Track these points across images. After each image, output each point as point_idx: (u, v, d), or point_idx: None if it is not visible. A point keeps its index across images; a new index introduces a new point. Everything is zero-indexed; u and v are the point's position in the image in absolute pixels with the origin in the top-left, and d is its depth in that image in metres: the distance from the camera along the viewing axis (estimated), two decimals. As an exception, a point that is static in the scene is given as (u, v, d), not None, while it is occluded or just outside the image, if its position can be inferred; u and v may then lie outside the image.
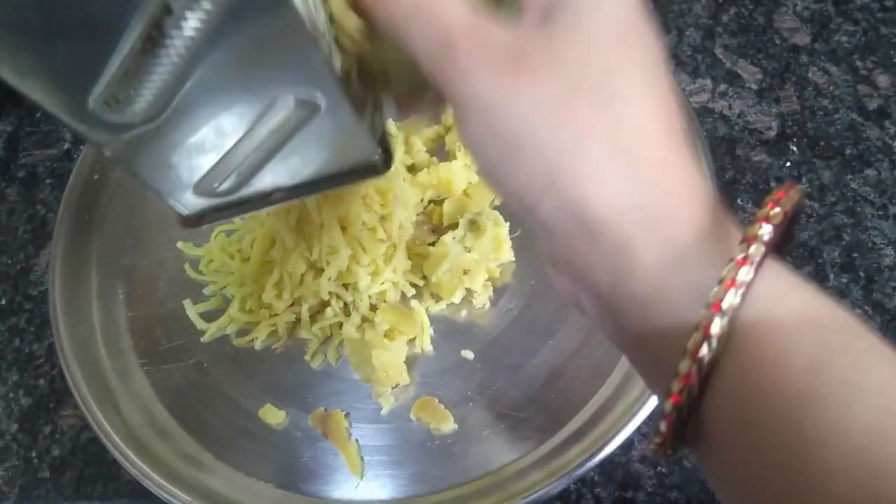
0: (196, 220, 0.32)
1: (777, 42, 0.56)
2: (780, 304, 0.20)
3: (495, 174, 0.23)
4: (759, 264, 0.20)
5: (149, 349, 0.46)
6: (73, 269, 0.47)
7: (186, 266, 0.48)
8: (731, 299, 0.19)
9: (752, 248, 0.20)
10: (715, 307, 0.19)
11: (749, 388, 0.19)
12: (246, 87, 0.25)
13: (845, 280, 0.47)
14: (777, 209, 0.21)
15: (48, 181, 0.55)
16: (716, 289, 0.20)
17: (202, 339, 0.46)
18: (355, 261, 0.44)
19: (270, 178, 0.30)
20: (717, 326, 0.19)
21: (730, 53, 0.56)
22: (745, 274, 0.19)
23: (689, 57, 0.56)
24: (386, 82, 0.27)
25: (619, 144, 0.21)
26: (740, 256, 0.20)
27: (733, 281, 0.19)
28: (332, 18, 0.25)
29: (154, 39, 0.22)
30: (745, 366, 0.19)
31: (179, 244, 0.49)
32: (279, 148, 0.28)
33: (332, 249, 0.43)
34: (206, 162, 0.28)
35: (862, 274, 0.47)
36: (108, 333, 0.46)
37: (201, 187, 0.30)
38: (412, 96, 0.28)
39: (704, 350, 0.19)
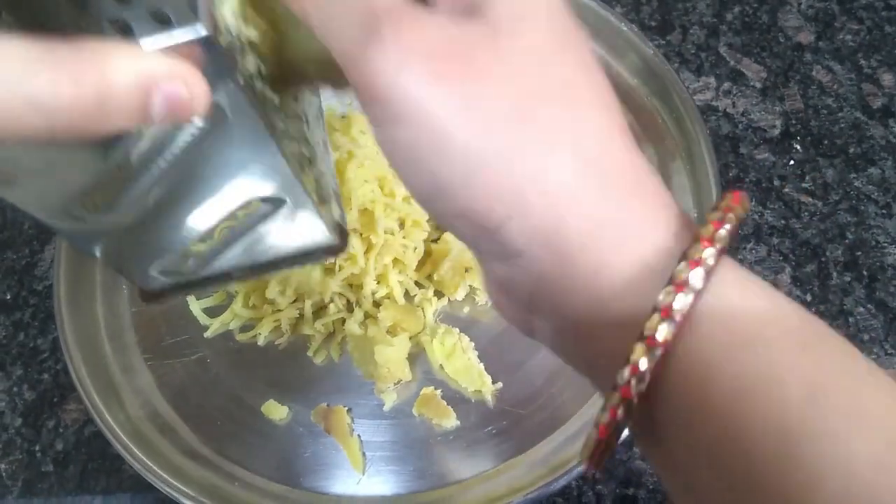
0: (156, 297, 0.33)
1: (781, 40, 0.56)
2: (772, 324, 0.18)
3: (442, 195, 0.20)
4: (714, 265, 0.18)
5: (152, 344, 0.46)
6: (77, 264, 0.47)
7: (190, 262, 0.48)
8: (693, 280, 0.18)
9: (705, 252, 0.18)
10: (678, 287, 0.18)
11: (737, 413, 0.17)
12: (216, 191, 0.26)
13: (848, 278, 0.47)
14: (726, 225, 0.19)
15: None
16: (675, 270, 0.18)
17: (206, 335, 0.46)
18: (366, 271, 0.44)
19: (232, 259, 0.31)
20: (662, 332, 0.18)
21: (734, 52, 0.55)
22: (708, 255, 0.18)
23: (693, 55, 0.55)
24: (300, 78, 0.27)
25: (584, 155, 0.19)
26: (693, 257, 0.18)
27: (697, 261, 0.18)
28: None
29: (132, 163, 0.24)
30: (734, 389, 0.18)
31: (183, 240, 0.49)
32: (245, 236, 0.30)
33: (348, 255, 0.43)
34: (170, 250, 0.30)
35: (865, 272, 0.47)
36: (112, 328, 0.46)
37: (163, 269, 0.31)
38: (335, 85, 0.26)
39: (661, 331, 0.18)
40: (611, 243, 0.19)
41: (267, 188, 0.27)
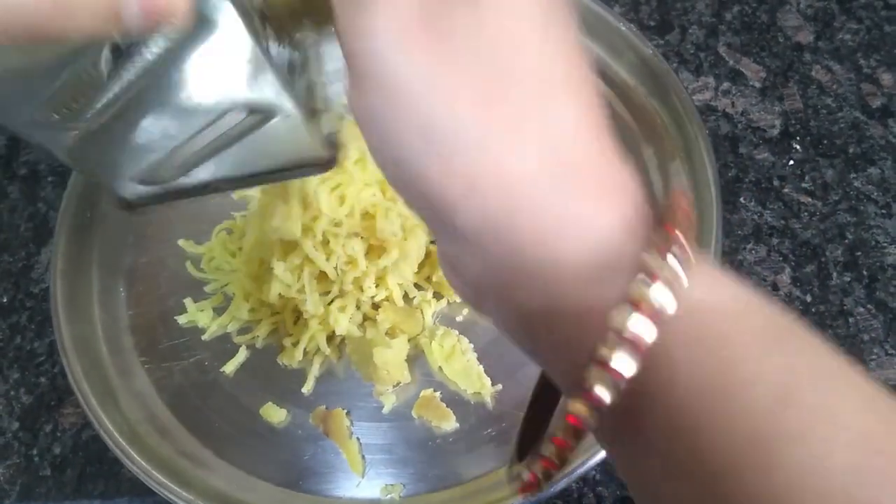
0: (134, 206, 0.32)
1: (780, 40, 0.56)
2: (741, 322, 0.17)
3: (401, 168, 0.20)
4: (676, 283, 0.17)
5: (150, 347, 0.46)
6: (74, 266, 0.47)
7: (188, 264, 0.48)
8: (655, 294, 0.16)
9: (674, 248, 0.17)
10: (637, 306, 0.16)
11: (707, 416, 0.16)
12: (199, 98, 0.25)
13: (848, 279, 0.47)
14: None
15: (49, 179, 0.55)
16: (636, 286, 0.17)
17: (203, 337, 0.46)
18: (367, 274, 0.44)
19: (214, 169, 0.30)
20: (624, 365, 0.16)
21: (733, 51, 0.55)
22: (669, 271, 0.17)
23: (692, 55, 0.55)
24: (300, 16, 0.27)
25: (550, 144, 0.18)
26: (653, 269, 0.17)
27: (655, 276, 0.17)
28: None
29: (102, 67, 0.22)
30: (694, 391, 0.17)
31: (180, 242, 0.49)
32: (228, 147, 0.28)
33: (350, 258, 0.43)
34: (150, 158, 0.28)
35: (865, 273, 0.47)
36: (109, 331, 0.46)
37: (141, 177, 0.30)
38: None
39: (623, 364, 0.16)
40: (567, 239, 0.18)
41: (252, 98, 0.25)
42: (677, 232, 0.17)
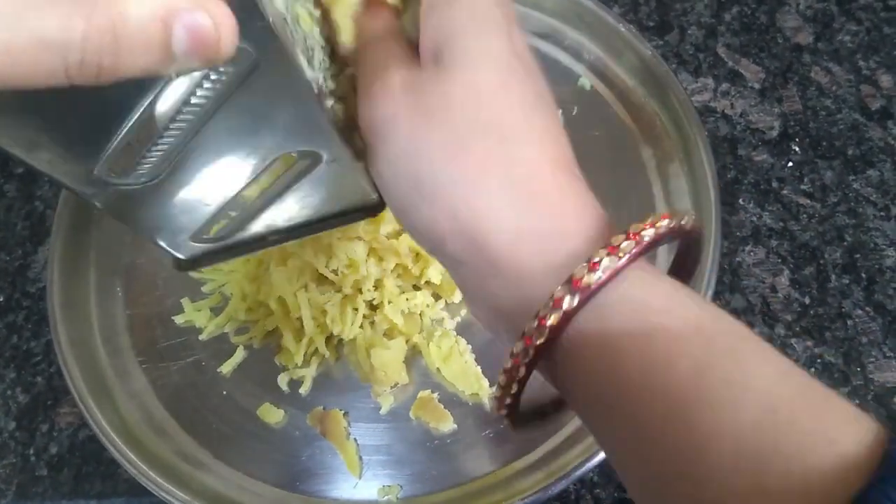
0: (191, 265, 0.32)
1: (780, 41, 0.56)
2: (669, 314, 0.21)
3: (404, 212, 0.25)
4: (627, 260, 0.21)
5: (147, 347, 0.46)
6: (71, 266, 0.47)
7: (185, 264, 0.48)
8: (587, 278, 0.21)
9: (624, 244, 0.21)
10: (575, 283, 0.21)
11: (637, 388, 0.20)
12: (250, 145, 0.25)
13: (847, 281, 0.47)
14: (650, 230, 0.22)
15: (47, 177, 0.55)
16: (580, 269, 0.21)
17: (200, 338, 0.46)
18: (367, 278, 0.43)
19: (268, 221, 0.30)
20: (566, 301, 0.21)
21: (732, 52, 0.55)
22: (610, 261, 0.21)
23: (691, 56, 0.55)
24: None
25: (512, 180, 0.23)
26: (613, 244, 0.21)
27: (595, 264, 0.21)
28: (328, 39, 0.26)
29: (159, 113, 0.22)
30: (635, 370, 0.20)
31: (178, 242, 0.48)
32: (280, 195, 0.29)
33: (351, 262, 0.43)
34: (205, 213, 0.29)
35: (863, 275, 0.47)
36: (107, 331, 0.46)
37: (198, 234, 0.30)
38: None
39: (552, 319, 0.21)
40: (530, 252, 0.22)
41: (301, 142, 0.25)
42: (632, 235, 0.21)
